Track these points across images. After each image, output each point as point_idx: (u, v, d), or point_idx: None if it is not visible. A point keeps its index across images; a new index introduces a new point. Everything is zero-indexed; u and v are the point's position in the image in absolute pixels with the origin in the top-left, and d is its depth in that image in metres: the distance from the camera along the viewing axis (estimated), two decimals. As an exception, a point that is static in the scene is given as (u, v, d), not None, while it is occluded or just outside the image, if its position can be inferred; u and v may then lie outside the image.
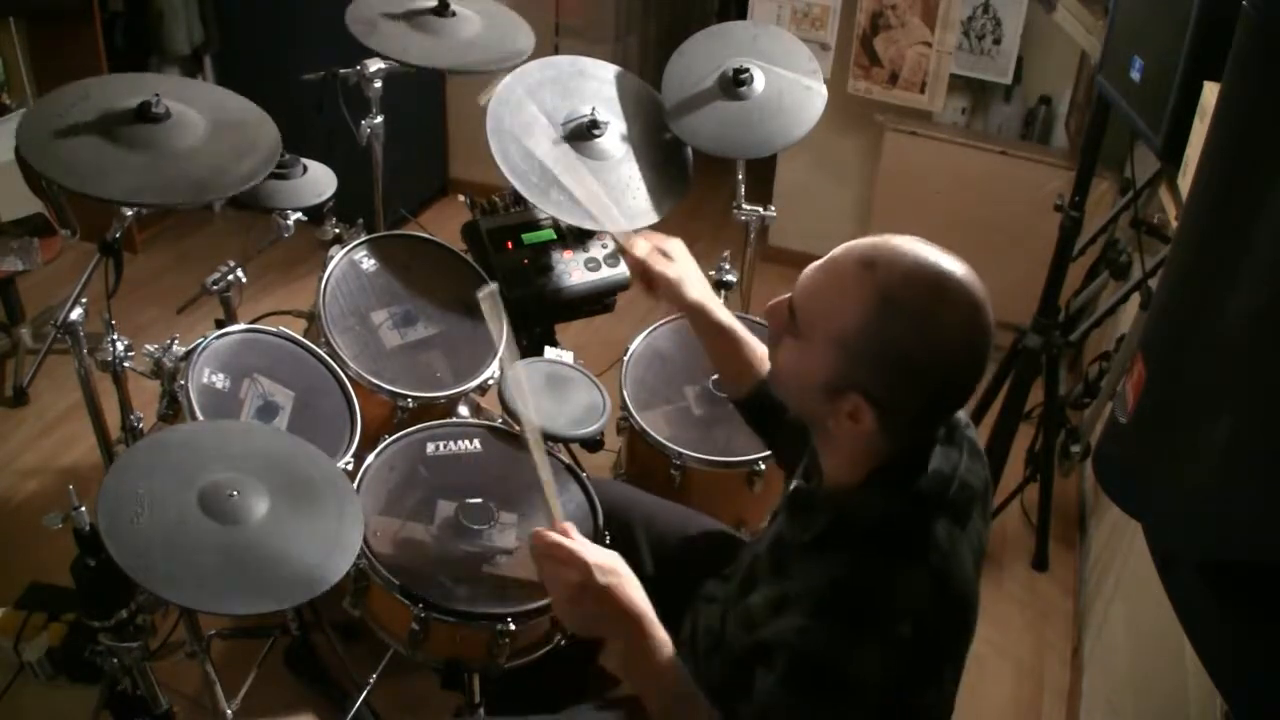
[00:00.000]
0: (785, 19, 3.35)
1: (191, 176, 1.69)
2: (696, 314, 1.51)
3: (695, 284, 1.51)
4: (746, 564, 1.31)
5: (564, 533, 1.20)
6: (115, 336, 1.82)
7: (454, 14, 2.23)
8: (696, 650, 1.32)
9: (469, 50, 2.21)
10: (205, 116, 1.76)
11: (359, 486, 1.68)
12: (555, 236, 2.27)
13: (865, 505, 1.14)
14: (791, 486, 1.31)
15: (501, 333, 1.39)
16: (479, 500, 1.70)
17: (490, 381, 2.02)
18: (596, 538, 1.66)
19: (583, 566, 1.16)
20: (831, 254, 1.13)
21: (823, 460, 1.22)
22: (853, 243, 1.12)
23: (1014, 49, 3.12)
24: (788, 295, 1.16)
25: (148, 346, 1.80)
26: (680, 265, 1.53)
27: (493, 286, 1.49)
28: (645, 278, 1.53)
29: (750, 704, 1.10)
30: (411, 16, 2.21)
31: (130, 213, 1.81)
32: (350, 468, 1.75)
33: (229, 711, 1.69)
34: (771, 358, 1.23)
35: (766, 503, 2.01)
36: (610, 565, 1.18)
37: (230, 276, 2.06)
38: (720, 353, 1.53)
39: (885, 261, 1.08)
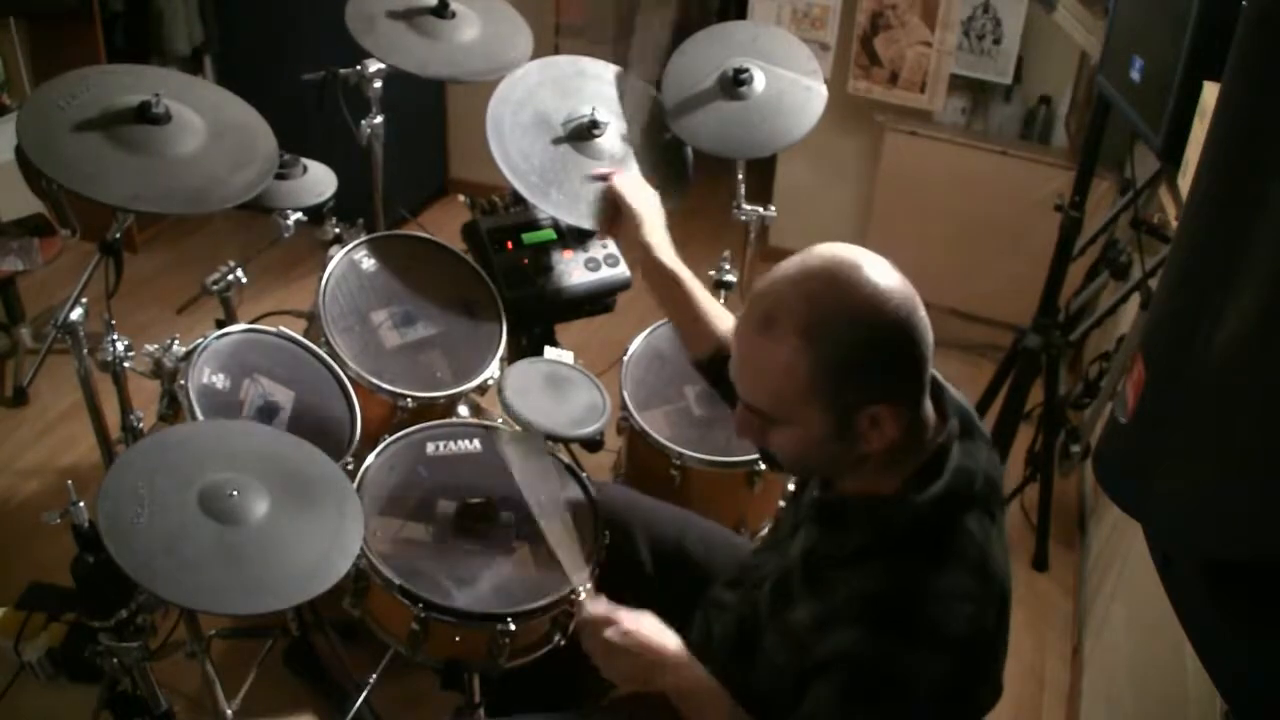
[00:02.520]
0: (785, 19, 3.35)
1: (189, 185, 1.68)
2: (649, 258, 1.54)
3: (656, 228, 1.57)
4: (774, 576, 1.28)
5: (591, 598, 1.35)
6: (115, 336, 1.82)
7: (453, 15, 2.22)
8: (714, 657, 1.31)
9: (466, 59, 2.20)
10: (205, 121, 1.76)
11: (359, 486, 1.68)
12: (555, 236, 2.27)
13: (899, 511, 1.14)
14: (815, 495, 1.29)
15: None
16: (479, 500, 1.70)
17: (490, 381, 2.02)
18: (596, 538, 1.66)
19: (609, 625, 1.28)
20: (734, 348, 1.16)
21: (849, 477, 1.22)
22: (739, 321, 1.15)
23: (1014, 49, 3.12)
24: (740, 406, 1.17)
25: (148, 346, 1.79)
26: (649, 205, 1.60)
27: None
28: (613, 209, 1.62)
29: (800, 715, 1.12)
30: (410, 16, 2.20)
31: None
32: (350, 468, 1.75)
33: (229, 711, 1.69)
34: (780, 458, 1.21)
35: (766, 502, 2.01)
36: (624, 616, 1.28)
37: (230, 276, 2.06)
38: (675, 305, 1.53)
39: (775, 309, 1.09)
